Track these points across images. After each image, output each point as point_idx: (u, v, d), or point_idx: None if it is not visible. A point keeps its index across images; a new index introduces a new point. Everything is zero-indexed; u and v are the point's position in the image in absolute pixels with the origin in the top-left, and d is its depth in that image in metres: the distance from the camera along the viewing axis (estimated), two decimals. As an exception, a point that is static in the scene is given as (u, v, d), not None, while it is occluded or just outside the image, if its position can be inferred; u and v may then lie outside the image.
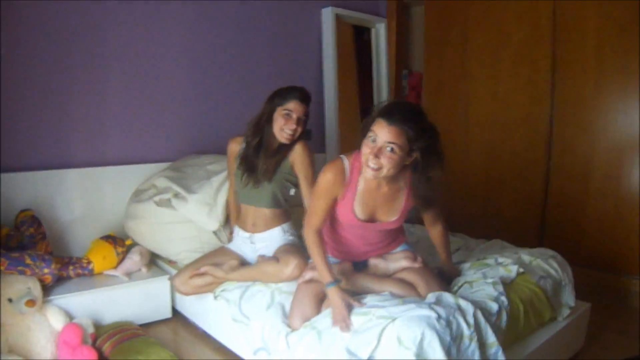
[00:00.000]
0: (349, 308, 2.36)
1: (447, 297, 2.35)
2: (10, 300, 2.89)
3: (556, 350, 2.85)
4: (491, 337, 2.27)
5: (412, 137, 2.27)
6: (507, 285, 2.67)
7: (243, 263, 3.17)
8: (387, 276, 2.68)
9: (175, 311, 3.65)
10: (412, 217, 5.42)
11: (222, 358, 3.15)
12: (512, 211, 4.78)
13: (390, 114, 2.27)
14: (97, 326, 3.23)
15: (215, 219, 3.49)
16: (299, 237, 3.24)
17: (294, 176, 3.15)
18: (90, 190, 3.82)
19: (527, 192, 4.65)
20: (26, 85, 3.52)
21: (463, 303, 2.29)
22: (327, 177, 2.51)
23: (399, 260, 2.70)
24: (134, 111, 4.02)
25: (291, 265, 2.88)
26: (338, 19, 5.12)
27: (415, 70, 5.85)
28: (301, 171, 3.11)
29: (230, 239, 3.48)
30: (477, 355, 2.18)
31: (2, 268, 2.94)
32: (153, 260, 3.81)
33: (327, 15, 5.05)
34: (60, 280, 3.33)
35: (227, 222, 3.58)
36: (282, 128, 2.99)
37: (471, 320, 2.23)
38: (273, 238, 3.20)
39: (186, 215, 3.50)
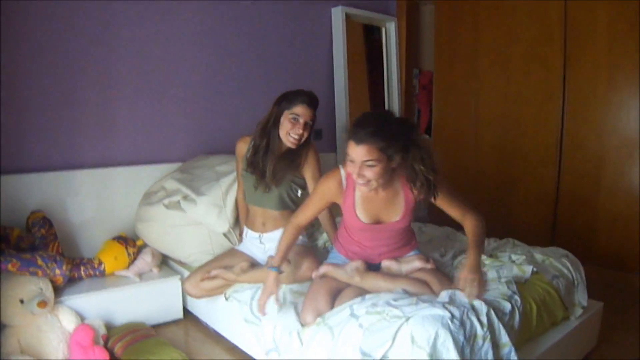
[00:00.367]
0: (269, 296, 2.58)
1: (461, 296, 2.34)
2: (22, 301, 2.90)
3: (569, 350, 2.83)
4: (504, 337, 2.25)
5: (384, 146, 2.29)
6: (521, 284, 2.65)
7: (253, 264, 3.16)
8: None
9: (186, 311, 3.65)
10: (425, 217, 5.44)
11: (233, 358, 3.15)
12: (524, 210, 4.77)
13: (355, 133, 2.30)
14: (109, 327, 3.24)
15: (224, 221, 3.48)
16: (309, 236, 3.24)
17: (301, 178, 3.14)
18: (101, 191, 3.82)
19: (538, 191, 4.64)
20: (36, 86, 3.53)
21: (477, 303, 2.28)
22: (324, 184, 2.64)
23: (412, 262, 2.70)
24: (145, 112, 4.02)
25: (302, 267, 2.89)
26: (348, 18, 5.11)
27: (425, 69, 5.83)
28: (308, 173, 3.11)
29: (240, 240, 3.47)
30: (490, 355, 2.17)
31: (14, 269, 2.94)
32: (164, 261, 3.81)
33: (337, 15, 5.04)
34: (71, 281, 3.34)
35: (237, 223, 3.57)
36: (289, 132, 2.98)
37: (485, 320, 2.22)
38: None
39: (195, 218, 3.50)
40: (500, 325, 2.26)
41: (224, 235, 3.53)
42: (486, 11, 4.89)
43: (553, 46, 4.39)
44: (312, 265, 2.86)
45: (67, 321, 3.06)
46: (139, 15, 3.89)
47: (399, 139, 2.31)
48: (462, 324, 2.16)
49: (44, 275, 3.04)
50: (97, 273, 3.46)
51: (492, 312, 2.27)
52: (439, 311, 2.18)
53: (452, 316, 2.16)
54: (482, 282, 2.31)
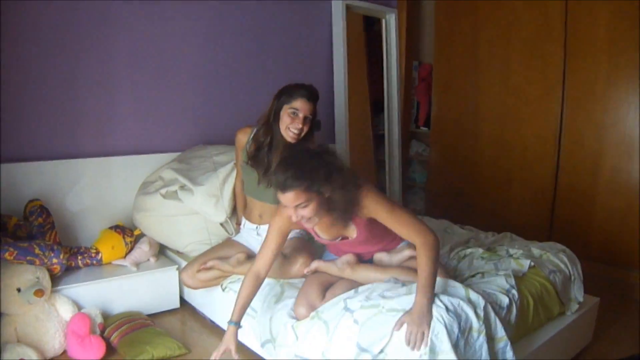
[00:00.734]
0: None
1: (459, 289, 2.34)
2: (19, 290, 2.90)
3: (564, 345, 2.85)
4: (500, 332, 2.26)
5: (309, 185, 2.24)
6: (518, 278, 2.66)
7: (250, 255, 3.15)
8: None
9: (183, 301, 3.66)
10: (422, 210, 5.45)
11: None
12: (521, 205, 4.77)
13: (277, 181, 2.26)
14: (106, 316, 3.25)
15: (222, 211, 3.48)
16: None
17: None
18: (99, 180, 3.81)
19: (537, 186, 4.64)
20: (35, 76, 3.52)
21: (474, 296, 2.28)
22: (279, 220, 2.55)
23: (402, 251, 2.68)
24: (144, 102, 4.02)
25: (297, 263, 2.89)
26: (348, 9, 5.09)
27: (425, 62, 5.82)
28: None
29: (237, 230, 3.47)
30: (485, 348, 2.17)
31: (10, 258, 2.94)
32: (162, 250, 3.82)
33: (337, 6, 5.01)
34: (68, 270, 3.34)
35: (234, 213, 3.57)
36: (288, 127, 2.93)
37: (481, 314, 2.22)
38: None
39: (193, 208, 3.50)
40: (497, 319, 2.27)
41: (221, 225, 3.54)
42: (487, 5, 4.87)
43: (553, 41, 4.38)
44: (306, 262, 2.86)
45: (64, 310, 3.06)
46: (139, 5, 3.88)
47: (319, 170, 2.26)
48: (457, 316, 2.16)
49: (41, 264, 3.05)
50: (95, 262, 3.46)
51: (489, 305, 2.27)
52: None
53: (447, 308, 2.17)
54: (427, 332, 2.11)
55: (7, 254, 2.93)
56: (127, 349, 2.96)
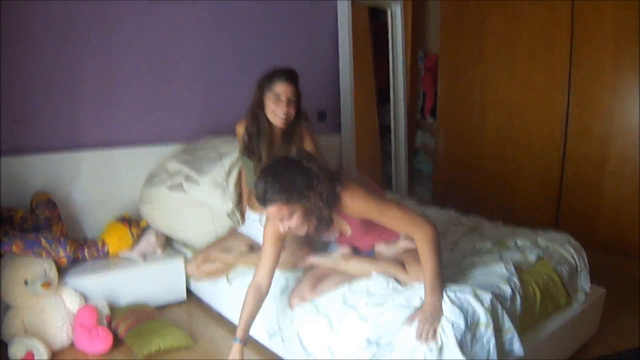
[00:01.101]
0: None
1: (463, 284, 2.35)
2: (26, 282, 2.92)
3: (570, 336, 2.85)
4: (507, 323, 2.27)
5: (288, 197, 2.21)
6: (526, 271, 2.66)
7: (254, 247, 3.16)
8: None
9: (190, 293, 3.67)
10: (429, 200, 5.44)
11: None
12: (528, 194, 4.76)
13: (258, 198, 2.24)
14: (113, 308, 3.26)
15: (228, 201, 3.48)
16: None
17: None
18: (105, 172, 3.82)
19: (543, 175, 4.62)
20: (38, 68, 3.52)
21: (479, 290, 2.29)
22: (269, 222, 2.52)
23: (398, 243, 2.67)
24: (149, 93, 4.02)
25: (296, 256, 2.90)
26: (353, 1, 5.07)
27: (431, 52, 5.80)
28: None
29: (243, 222, 3.47)
30: (492, 342, 2.18)
31: (18, 250, 2.96)
32: (168, 242, 3.82)
33: (343, -3, 5.00)
34: (75, 262, 3.35)
35: (240, 203, 3.57)
36: (275, 112, 2.94)
37: (489, 307, 2.22)
38: None
39: (198, 198, 3.50)
40: (503, 311, 2.27)
41: (227, 215, 3.52)
42: (493, -6, 4.85)
43: (560, 31, 4.36)
44: (305, 255, 2.87)
45: (71, 302, 3.08)
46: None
47: (298, 180, 2.23)
48: (463, 311, 2.16)
49: (48, 257, 3.06)
50: (101, 254, 3.47)
51: (495, 299, 2.27)
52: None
53: (452, 303, 2.18)
54: (438, 329, 2.14)
55: (14, 246, 2.94)
56: (134, 341, 2.97)
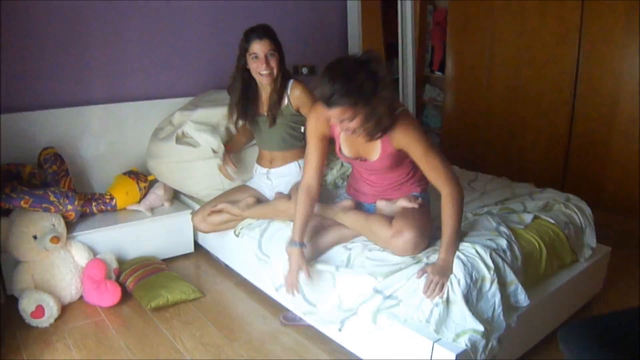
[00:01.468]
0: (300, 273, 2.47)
1: (464, 243, 2.36)
2: (35, 237, 2.95)
3: (574, 293, 2.86)
4: (510, 276, 2.29)
5: (355, 101, 2.17)
6: (532, 228, 2.68)
7: (259, 199, 3.19)
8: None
9: (197, 246, 3.70)
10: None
11: (244, 292, 3.22)
12: (535, 151, 4.73)
13: (323, 95, 2.19)
14: (121, 261, 3.30)
15: (217, 137, 3.42)
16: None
17: (301, 116, 3.10)
18: (112, 126, 3.83)
19: (551, 133, 4.59)
20: (45, 25, 3.50)
21: (479, 246, 2.30)
22: (312, 123, 2.55)
23: (399, 202, 2.66)
24: (155, 47, 4.00)
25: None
26: (362, -49, 4.99)
27: (440, 6, 5.72)
28: (304, 109, 3.06)
29: (223, 163, 3.43)
30: (497, 297, 2.20)
31: (26, 206, 2.98)
32: (176, 195, 3.85)
33: (351, -51, 4.91)
34: (83, 216, 3.38)
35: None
36: (257, 71, 2.97)
37: (490, 263, 2.24)
38: (289, 173, 3.20)
39: (189, 132, 3.47)
40: (505, 265, 2.29)
41: (212, 150, 3.41)
42: (504, -54, 4.75)
43: (571, -14, 4.28)
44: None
45: (80, 256, 3.11)
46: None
47: (366, 84, 2.19)
48: (467, 267, 2.20)
49: (57, 211, 3.08)
50: (109, 208, 3.49)
51: (494, 253, 2.29)
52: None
53: (458, 259, 2.22)
54: (447, 284, 2.17)
55: (22, 202, 2.96)
56: (143, 294, 3.02)
